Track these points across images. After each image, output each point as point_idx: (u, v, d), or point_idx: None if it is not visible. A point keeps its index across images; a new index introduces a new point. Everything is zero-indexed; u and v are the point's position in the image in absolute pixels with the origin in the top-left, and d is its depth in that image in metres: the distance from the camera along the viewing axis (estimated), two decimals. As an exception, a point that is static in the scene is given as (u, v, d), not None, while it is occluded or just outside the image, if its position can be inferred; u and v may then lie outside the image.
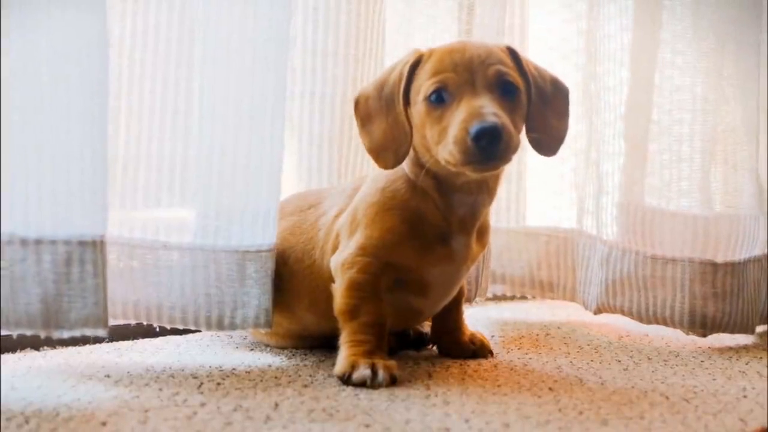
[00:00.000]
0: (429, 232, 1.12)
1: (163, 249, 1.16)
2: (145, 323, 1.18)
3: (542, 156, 1.16)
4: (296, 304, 1.20)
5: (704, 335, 1.40)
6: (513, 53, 1.12)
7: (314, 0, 1.36)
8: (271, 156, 1.17)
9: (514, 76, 1.08)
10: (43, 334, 1.00)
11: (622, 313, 1.45)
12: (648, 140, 1.44)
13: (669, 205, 1.44)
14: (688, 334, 1.41)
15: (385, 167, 1.12)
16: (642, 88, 1.44)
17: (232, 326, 1.17)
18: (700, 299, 1.39)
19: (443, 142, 1.04)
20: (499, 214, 1.60)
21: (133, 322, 1.18)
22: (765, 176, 1.53)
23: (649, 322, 1.43)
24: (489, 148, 1.00)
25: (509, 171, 1.60)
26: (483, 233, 1.19)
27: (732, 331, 1.40)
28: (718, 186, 1.45)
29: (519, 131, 1.08)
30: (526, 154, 1.63)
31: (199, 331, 1.29)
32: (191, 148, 1.17)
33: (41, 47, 0.99)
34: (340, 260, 1.12)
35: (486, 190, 1.13)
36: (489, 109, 1.01)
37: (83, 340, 1.24)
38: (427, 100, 1.06)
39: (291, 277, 1.20)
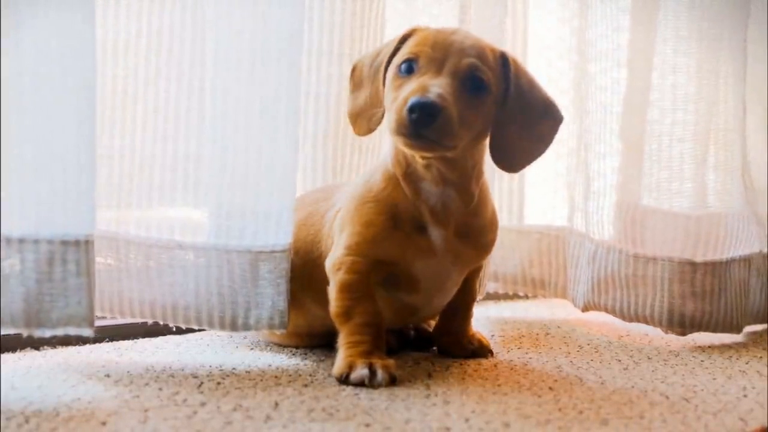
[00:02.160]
0: (406, 222, 1.12)
1: (178, 249, 1.16)
2: (161, 323, 1.18)
3: (503, 170, 1.16)
4: (304, 295, 1.20)
5: (683, 334, 1.40)
6: (504, 59, 1.11)
7: (309, 0, 1.36)
8: (285, 156, 1.17)
9: (489, 77, 1.07)
10: (25, 333, 1.00)
11: (606, 311, 1.45)
12: (644, 139, 1.45)
13: (660, 205, 1.44)
14: (666, 332, 1.41)
15: (359, 133, 1.16)
16: (638, 88, 1.44)
17: (246, 327, 1.17)
18: (678, 298, 1.39)
19: (391, 110, 1.05)
20: (500, 212, 1.60)
21: (150, 321, 1.19)
22: (754, 176, 1.53)
23: (630, 320, 1.43)
24: (420, 123, 1.00)
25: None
26: (474, 235, 1.16)
27: (714, 330, 1.40)
28: (705, 185, 1.45)
29: (474, 130, 1.07)
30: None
31: (201, 330, 1.29)
32: (205, 148, 1.17)
33: (24, 46, 0.99)
34: (331, 262, 1.13)
35: (453, 186, 1.12)
36: (436, 89, 1.02)
37: (83, 340, 1.24)
38: (396, 68, 1.08)
39: (301, 269, 1.20)
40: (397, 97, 1.05)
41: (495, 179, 1.56)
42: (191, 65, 1.18)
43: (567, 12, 1.58)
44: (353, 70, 1.17)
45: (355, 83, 1.16)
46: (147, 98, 1.17)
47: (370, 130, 1.14)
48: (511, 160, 1.14)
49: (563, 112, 1.56)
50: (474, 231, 1.16)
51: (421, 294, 1.16)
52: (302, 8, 1.18)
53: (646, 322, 1.42)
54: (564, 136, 1.57)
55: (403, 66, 1.07)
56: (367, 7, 1.40)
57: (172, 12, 1.17)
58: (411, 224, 1.12)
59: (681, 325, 1.39)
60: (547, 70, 1.61)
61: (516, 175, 1.61)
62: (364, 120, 1.14)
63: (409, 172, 1.12)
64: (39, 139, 1.00)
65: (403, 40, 1.12)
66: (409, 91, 1.03)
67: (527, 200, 1.64)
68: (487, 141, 1.13)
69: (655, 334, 1.45)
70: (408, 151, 1.08)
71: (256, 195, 1.17)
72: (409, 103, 1.00)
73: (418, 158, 1.09)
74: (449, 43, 1.07)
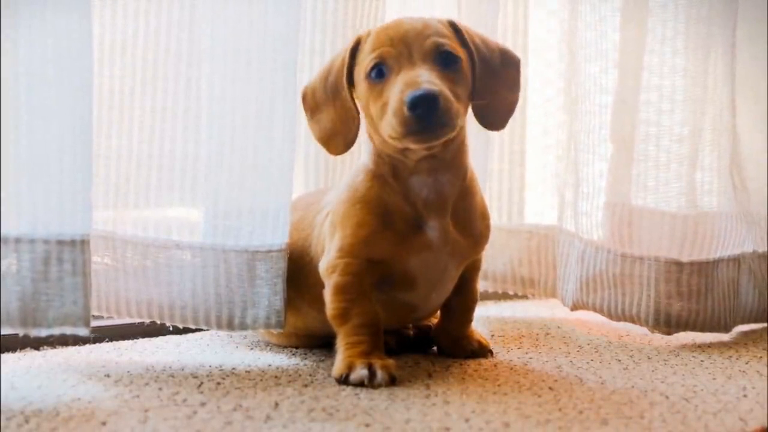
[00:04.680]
0: (398, 220, 1.11)
1: (175, 248, 1.16)
2: (158, 322, 1.18)
3: (489, 130, 1.16)
4: (300, 299, 1.20)
5: (669, 333, 1.41)
6: (454, 26, 1.12)
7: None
8: (282, 155, 1.17)
9: (454, 46, 1.08)
10: (21, 332, 1.00)
11: (594, 310, 1.46)
12: (634, 140, 1.45)
13: (648, 204, 1.44)
14: (652, 332, 1.42)
15: (336, 153, 1.14)
16: (628, 88, 1.45)
17: (243, 326, 1.17)
18: (665, 297, 1.39)
19: (385, 117, 1.04)
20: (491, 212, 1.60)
21: (146, 320, 1.19)
22: (751, 175, 1.54)
23: (618, 320, 1.44)
24: (426, 116, 1.00)
25: (503, 168, 1.60)
26: (467, 223, 1.15)
27: (702, 330, 1.41)
28: (693, 186, 1.45)
29: (464, 102, 1.08)
30: (526, 154, 1.63)
31: (201, 329, 1.29)
32: (202, 147, 1.17)
33: (21, 46, 0.99)
34: (324, 265, 1.13)
35: (446, 168, 1.12)
36: (424, 78, 1.02)
37: (83, 340, 1.24)
38: (367, 77, 1.07)
39: (296, 273, 1.20)
40: (386, 103, 1.04)
41: (488, 179, 1.56)
42: (188, 65, 1.18)
43: (565, 13, 1.58)
44: (304, 97, 1.16)
45: (312, 108, 1.15)
46: (144, 98, 1.18)
47: (348, 147, 1.13)
48: (496, 118, 1.15)
49: (559, 112, 1.57)
50: (467, 217, 1.15)
51: (418, 291, 1.15)
52: (298, 8, 1.18)
53: (633, 322, 1.42)
54: (561, 137, 1.57)
55: (373, 73, 1.07)
56: (359, 6, 1.40)
57: (169, 12, 1.17)
58: (404, 222, 1.11)
59: (667, 324, 1.40)
60: (546, 72, 1.62)
61: (508, 175, 1.61)
62: (339, 139, 1.13)
63: (398, 172, 1.12)
64: (35, 139, 1.00)
65: (353, 52, 1.11)
66: (398, 91, 1.02)
67: (516, 200, 1.64)
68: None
69: (655, 334, 1.45)
70: (417, 147, 1.07)
71: (252, 194, 1.17)
72: (408, 100, 1.00)
73: (419, 151, 1.08)
74: (404, 33, 1.07)
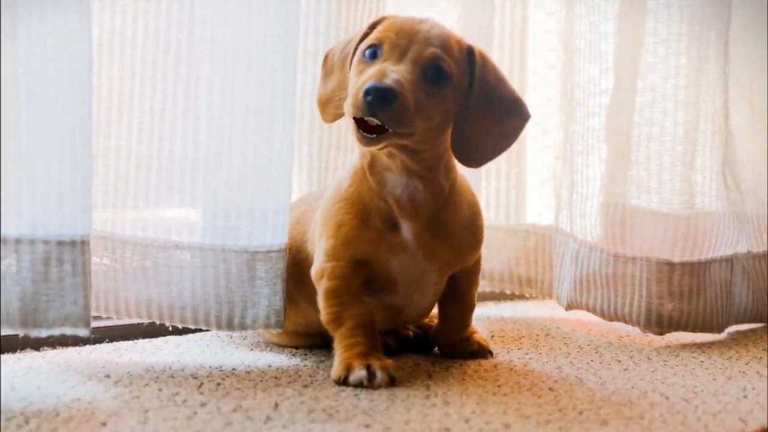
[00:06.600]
0: (375, 217, 1.11)
1: (174, 248, 1.17)
2: (158, 322, 1.18)
3: (461, 163, 1.13)
4: (299, 294, 1.20)
5: (661, 333, 1.41)
6: (470, 52, 1.10)
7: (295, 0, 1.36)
8: (281, 156, 1.17)
9: (452, 68, 1.06)
10: (21, 333, 1.00)
11: (588, 309, 1.47)
12: (630, 141, 1.46)
13: (641, 205, 1.45)
14: (644, 332, 1.42)
15: (326, 120, 1.15)
16: (624, 90, 1.45)
17: (243, 326, 1.18)
18: (656, 298, 1.40)
19: (351, 95, 1.04)
20: (488, 211, 1.60)
21: (146, 321, 1.19)
22: (746, 176, 1.54)
23: (610, 320, 1.44)
24: (374, 106, 0.99)
25: (500, 168, 1.61)
26: (449, 233, 1.14)
27: (693, 330, 1.42)
28: (687, 187, 1.45)
29: (430, 120, 1.05)
30: (524, 154, 1.63)
31: (201, 330, 1.29)
32: (201, 148, 1.17)
33: (20, 45, 0.99)
34: (314, 271, 1.14)
35: (419, 177, 1.10)
36: (393, 75, 1.01)
37: (83, 341, 1.24)
38: (361, 54, 1.08)
39: (295, 268, 1.20)
40: (358, 82, 1.04)
41: (484, 178, 1.56)
42: (187, 66, 1.18)
43: (563, 14, 1.58)
44: (325, 58, 1.17)
45: (326, 71, 1.16)
46: (143, 98, 1.17)
47: (337, 117, 1.13)
48: (471, 154, 1.12)
49: (558, 113, 1.57)
50: (448, 228, 1.14)
51: (400, 293, 1.15)
52: (297, 9, 1.18)
53: (625, 322, 1.43)
54: (559, 138, 1.57)
55: (368, 52, 1.07)
56: (353, 7, 1.40)
57: (168, 12, 1.17)
58: (381, 220, 1.11)
59: (659, 324, 1.40)
60: (545, 73, 1.61)
61: (506, 174, 1.61)
62: (331, 106, 1.14)
63: (373, 162, 1.11)
64: (35, 139, 1.00)
65: (373, 27, 1.11)
66: (367, 75, 1.02)
67: (514, 199, 1.64)
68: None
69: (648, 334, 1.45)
70: (359, 141, 1.03)
71: (252, 195, 1.17)
72: (365, 86, 1.00)
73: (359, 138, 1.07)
74: (415, 32, 1.06)
